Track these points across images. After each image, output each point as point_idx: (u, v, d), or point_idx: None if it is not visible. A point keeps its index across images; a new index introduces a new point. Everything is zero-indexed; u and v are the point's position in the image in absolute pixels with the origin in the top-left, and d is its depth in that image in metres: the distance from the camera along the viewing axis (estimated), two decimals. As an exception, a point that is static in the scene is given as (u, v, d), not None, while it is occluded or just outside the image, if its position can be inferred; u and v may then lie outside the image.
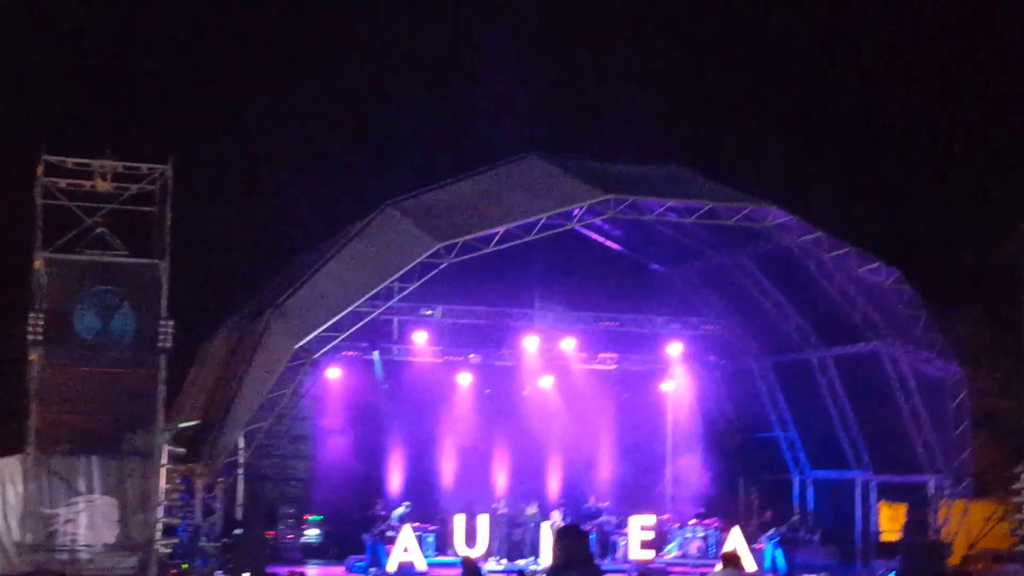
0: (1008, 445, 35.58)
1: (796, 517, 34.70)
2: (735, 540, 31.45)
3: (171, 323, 27.12)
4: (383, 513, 31.21)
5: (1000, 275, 32.38)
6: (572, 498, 34.52)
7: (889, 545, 32.63)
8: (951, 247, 33.40)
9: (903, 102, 48.44)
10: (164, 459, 27.44)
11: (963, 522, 32.66)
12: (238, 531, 28.85)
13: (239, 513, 30.77)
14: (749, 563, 30.35)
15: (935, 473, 32.14)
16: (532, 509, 33.25)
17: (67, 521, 26.41)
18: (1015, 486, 32.75)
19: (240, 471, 31.04)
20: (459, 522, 31.89)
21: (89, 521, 26.51)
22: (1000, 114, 47.70)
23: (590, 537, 31.80)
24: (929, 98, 48.34)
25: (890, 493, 34.21)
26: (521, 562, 31.39)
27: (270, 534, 32.55)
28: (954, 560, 31.88)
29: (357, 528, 31.28)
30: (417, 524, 31.36)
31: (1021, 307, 31.48)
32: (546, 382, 36.81)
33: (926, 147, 47.30)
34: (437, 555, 31.41)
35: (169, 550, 27.56)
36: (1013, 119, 47.49)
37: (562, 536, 10.07)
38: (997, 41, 48.34)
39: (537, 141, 36.50)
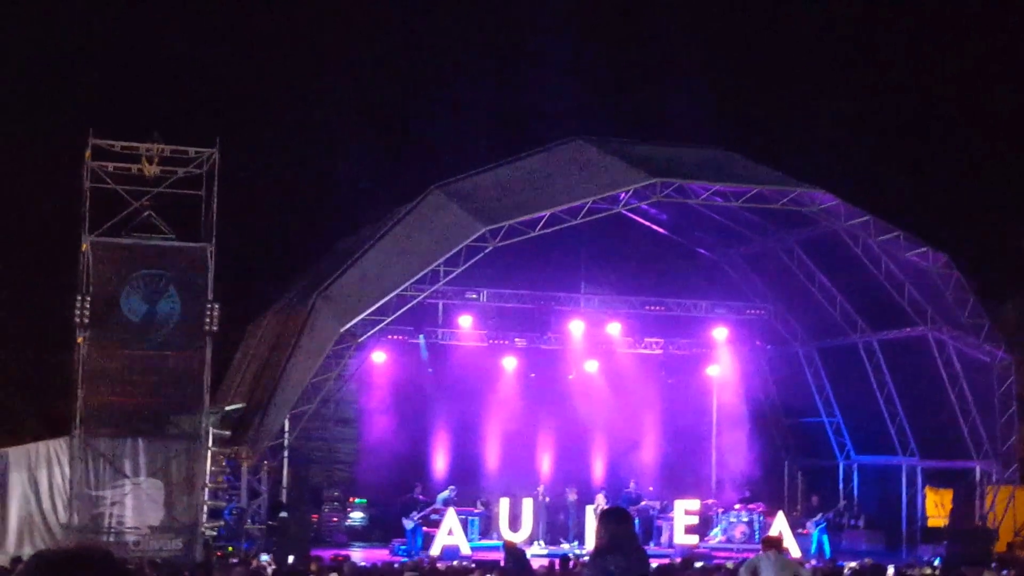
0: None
1: (843, 503, 34.54)
2: (779, 525, 31.29)
3: (217, 306, 27.29)
4: (421, 497, 31.25)
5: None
6: (616, 482, 34.47)
7: (935, 531, 32.46)
8: (1000, 232, 33.06)
9: (958, 85, 47.96)
10: (210, 442, 27.62)
11: (1010, 508, 32.44)
12: (283, 514, 28.96)
13: (284, 496, 30.90)
14: (793, 548, 30.23)
15: (982, 459, 31.90)
16: (572, 495, 33.24)
17: (113, 503, 26.65)
18: (1061, 473, 32.52)
19: (285, 454, 31.19)
20: (503, 506, 31.92)
21: (135, 503, 26.74)
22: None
23: (635, 520, 31.83)
24: (985, 81, 47.87)
25: (936, 479, 34.01)
26: (565, 546, 31.39)
27: (314, 517, 32.67)
28: (1000, 546, 31.64)
29: (398, 512, 31.35)
30: (461, 508, 31.40)
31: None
32: (591, 366, 36.72)
33: (978, 131, 46.84)
34: (481, 539, 31.43)
35: (214, 532, 27.74)
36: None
37: (606, 519, 10.05)
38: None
39: (584, 124, 36.41)
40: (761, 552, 17.31)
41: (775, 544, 17.34)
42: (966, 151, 45.93)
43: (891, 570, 22.45)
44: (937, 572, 24.98)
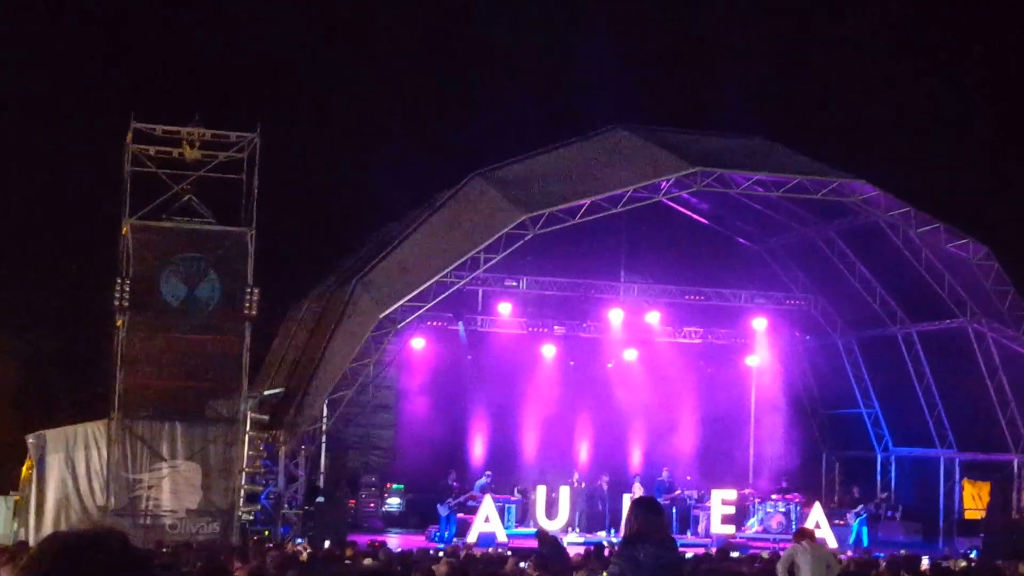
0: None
1: (884, 495, 34.42)
2: (816, 515, 31.21)
3: (256, 291, 27.41)
4: (455, 484, 31.30)
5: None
6: (652, 471, 34.45)
7: (972, 523, 32.32)
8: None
9: (1001, 79, 47.58)
10: (248, 426, 27.75)
11: (1048, 502, 32.31)
12: (320, 499, 29.10)
13: (321, 481, 31.06)
14: (830, 539, 30.16)
15: (1020, 452, 31.73)
16: (604, 483, 33.25)
17: (150, 486, 26.82)
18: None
19: (323, 439, 31.31)
20: (540, 494, 31.97)
21: (172, 487, 26.90)
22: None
23: (671, 510, 31.75)
24: (1006, 70, 47.49)
25: (974, 471, 33.87)
26: (601, 534, 31.40)
27: (351, 503, 32.83)
28: (1036, 540, 31.50)
29: (433, 498, 31.45)
30: (498, 495, 31.45)
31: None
32: (630, 355, 36.72)
33: (1008, 122, 46.48)
34: (518, 526, 31.47)
35: (251, 517, 27.88)
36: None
37: (637, 507, 10.10)
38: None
39: (625, 112, 36.35)
40: (795, 544, 17.29)
41: (807, 535, 17.32)
42: (1008, 141, 45.58)
43: (926, 561, 22.33)
44: (973, 565, 24.85)
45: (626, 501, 31.63)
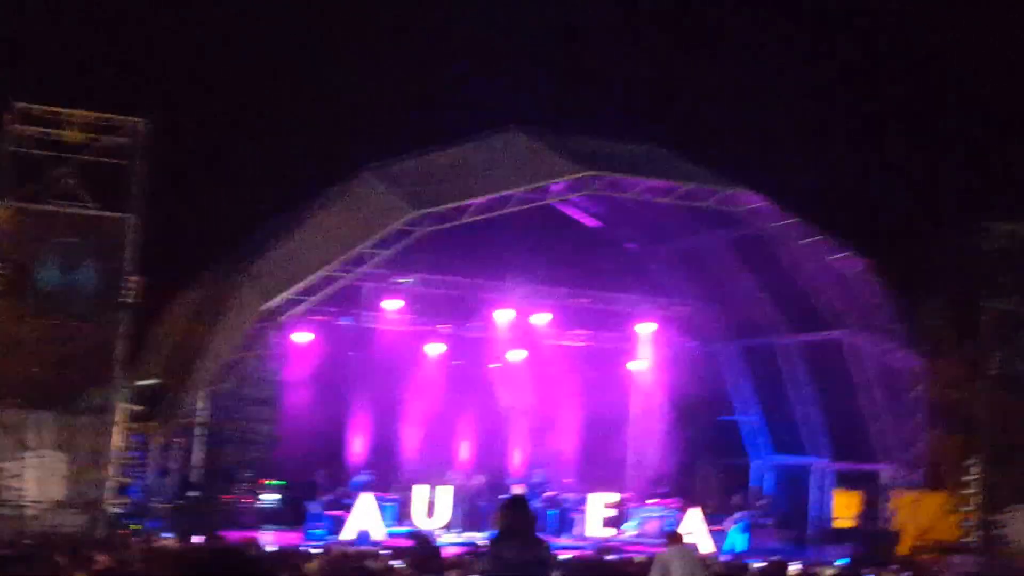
0: (961, 438, 35.85)
1: (764, 502, 34.87)
2: (693, 520, 31.51)
3: (136, 279, 26.95)
4: (322, 482, 31.02)
5: (966, 271, 32.56)
6: (533, 472, 34.52)
7: (842, 532, 32.88)
8: (920, 241, 33.50)
9: (881, 96, 48.51)
10: (120, 416, 27.25)
11: (914, 512, 32.93)
12: (193, 493, 28.71)
13: (195, 475, 30.65)
14: (707, 544, 30.46)
15: (890, 462, 32.33)
16: (477, 481, 33.27)
17: (14, 476, 26.15)
18: (965, 478, 33.02)
19: (199, 432, 30.92)
20: (419, 493, 31.84)
21: (37, 477, 26.27)
22: (975, 110, 47.84)
23: (548, 512, 31.84)
24: (906, 92, 48.46)
25: (846, 481, 34.47)
26: (479, 535, 31.36)
27: (226, 498, 32.43)
28: (903, 549, 32.09)
29: (303, 496, 31.18)
30: (377, 493, 31.27)
31: (982, 303, 31.66)
32: (515, 356, 36.78)
33: (901, 139, 47.40)
34: (396, 525, 31.31)
35: (120, 509, 27.38)
36: (988, 116, 47.64)
37: (504, 506, 10.11)
38: (979, 41, 48.40)
39: (519, 114, 36.36)
40: (667, 548, 17.39)
41: (677, 539, 17.46)
42: (894, 158, 46.46)
43: (793, 568, 22.66)
44: (841, 572, 25.24)
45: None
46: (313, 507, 30.43)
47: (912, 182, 44.37)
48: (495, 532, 9.94)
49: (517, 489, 32.29)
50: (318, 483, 30.85)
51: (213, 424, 31.79)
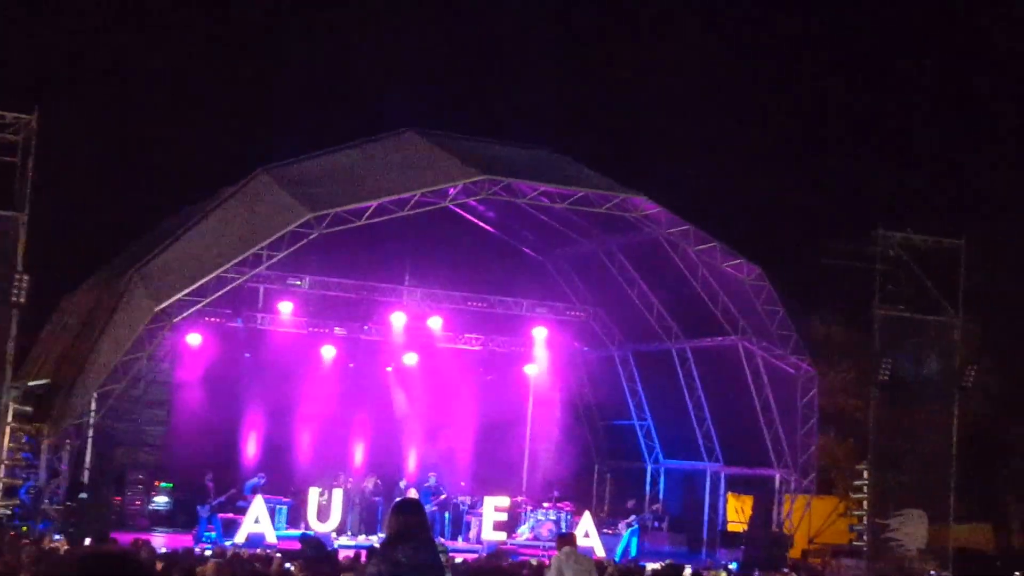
0: (853, 443, 36.51)
1: (656, 506, 35.18)
2: (586, 524, 31.71)
3: (26, 278, 26.48)
4: (211, 485, 30.73)
5: (857, 278, 33.15)
6: (426, 476, 34.50)
7: (734, 536, 33.29)
8: (813, 248, 34.06)
9: (777, 106, 49.26)
10: (9, 417, 26.77)
11: (805, 516, 33.45)
12: (83, 495, 28.29)
13: (86, 476, 30.19)
14: (599, 548, 30.67)
15: (782, 467, 32.79)
16: (370, 484, 33.19)
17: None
18: (856, 483, 33.59)
19: (90, 433, 30.44)
20: (312, 495, 31.66)
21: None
22: (868, 121, 48.79)
23: (443, 516, 31.83)
24: (800, 102, 49.26)
25: (739, 485, 34.91)
26: (373, 538, 31.30)
27: (117, 500, 32.01)
28: (795, 553, 32.61)
29: (191, 499, 30.89)
30: (270, 496, 31.05)
31: (873, 310, 32.24)
32: (411, 359, 36.74)
33: (795, 148, 48.17)
34: (289, 528, 31.12)
35: (9, 511, 26.91)
36: (880, 127, 48.61)
37: (397, 510, 10.09)
38: (873, 51, 49.36)
39: (416, 116, 36.36)
40: (559, 551, 17.45)
41: (569, 541, 17.53)
42: (787, 166, 47.19)
43: (688, 571, 22.94)
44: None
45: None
46: (202, 511, 30.13)
47: (804, 190, 45.13)
48: (388, 535, 9.91)
49: (411, 492, 32.25)
50: (206, 486, 30.52)
51: (104, 426, 31.35)
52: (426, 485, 33.59)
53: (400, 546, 9.72)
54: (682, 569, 22.47)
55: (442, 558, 16.04)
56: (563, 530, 32.40)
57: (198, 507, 30.26)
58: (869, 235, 32.31)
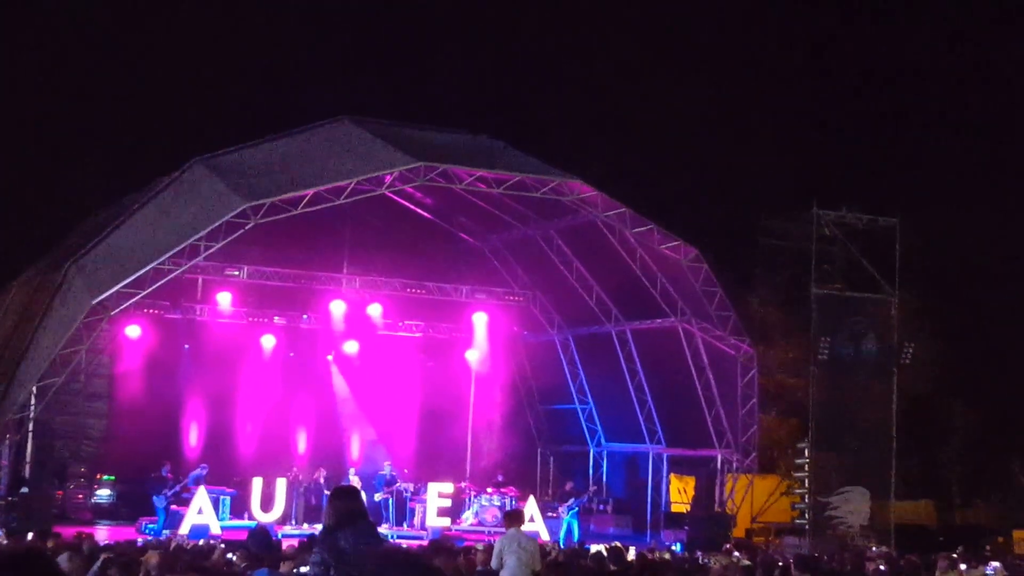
0: (795, 422, 36.82)
1: (594, 488, 35.34)
2: (530, 509, 31.77)
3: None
4: (168, 476, 30.64)
5: (793, 256, 33.44)
6: (370, 463, 34.49)
7: (678, 516, 33.52)
8: (748, 227, 34.33)
9: (711, 87, 49.49)
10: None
11: (748, 496, 33.74)
12: (24, 489, 28.08)
13: (27, 471, 29.96)
14: (543, 531, 30.76)
15: (723, 448, 33.04)
16: (319, 474, 33.14)
17: None
18: (798, 461, 33.95)
19: (30, 427, 30.20)
20: (256, 486, 31.55)
21: None
22: (804, 103, 49.13)
23: (388, 503, 31.74)
24: (735, 84, 49.52)
25: (680, 466, 35.12)
26: (318, 526, 31.17)
27: (58, 493, 31.79)
28: (738, 532, 32.89)
29: (147, 490, 30.71)
30: (213, 487, 30.91)
31: (810, 288, 32.52)
32: (351, 347, 36.69)
33: (730, 130, 48.45)
34: (233, 518, 30.99)
35: (-51, 507, 26.71)
36: (816, 108, 48.97)
37: (335, 497, 10.10)
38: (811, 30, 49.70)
39: (351, 105, 36.26)
40: (506, 528, 17.41)
41: (516, 519, 17.47)
42: (720, 148, 47.48)
43: (632, 552, 23.05)
44: (677, 556, 25.70)
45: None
46: (158, 501, 30.00)
47: (740, 172, 45.43)
48: (327, 523, 9.94)
49: (352, 479, 32.21)
50: (164, 477, 30.38)
51: (45, 419, 31.11)
52: (381, 473, 33.56)
53: (340, 533, 9.74)
54: (624, 551, 22.55)
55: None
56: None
57: (154, 497, 30.09)
58: (805, 215, 32.59)
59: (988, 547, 29.23)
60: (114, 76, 45.44)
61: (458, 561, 18.53)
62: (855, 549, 27.29)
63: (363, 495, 10.37)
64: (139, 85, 46.02)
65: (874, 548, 28.22)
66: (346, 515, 9.85)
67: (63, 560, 12.01)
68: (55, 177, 41.93)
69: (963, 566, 18.41)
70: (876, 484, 32.63)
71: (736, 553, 23.83)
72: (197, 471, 31.23)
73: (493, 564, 16.76)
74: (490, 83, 47.60)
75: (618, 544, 23.97)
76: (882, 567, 18.18)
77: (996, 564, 19.88)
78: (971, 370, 40.76)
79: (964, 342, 40.63)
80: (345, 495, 10.13)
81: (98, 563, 13.12)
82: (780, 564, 16.69)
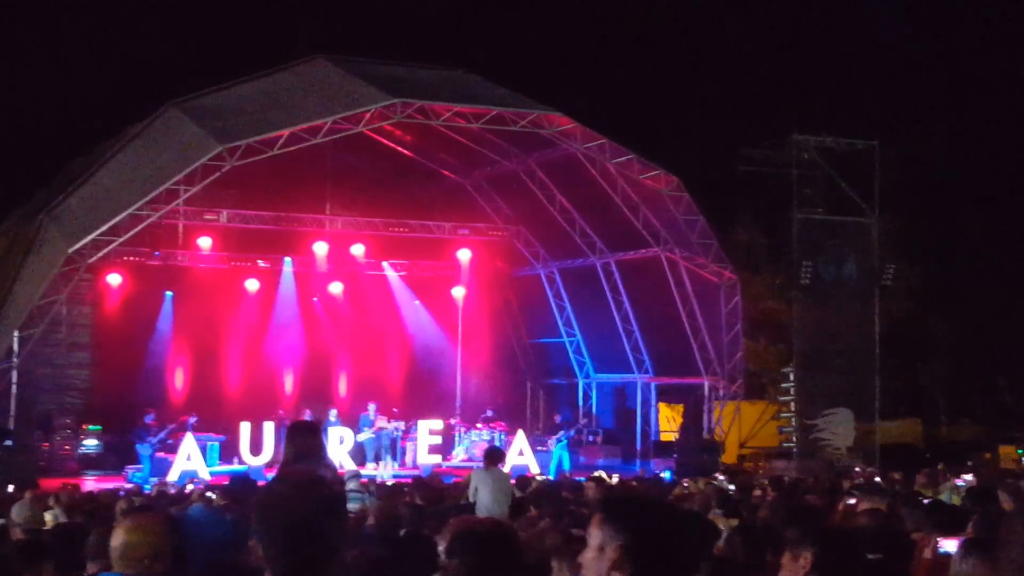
0: (782, 348, 36.85)
1: (584, 420, 35.39)
2: (520, 443, 31.79)
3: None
4: (153, 423, 30.55)
5: (774, 182, 33.31)
6: (358, 404, 34.41)
7: (667, 445, 33.58)
8: (730, 155, 34.12)
9: (686, 12, 49.12)
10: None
11: (736, 422, 33.80)
12: (8, 442, 28.01)
13: (11, 423, 29.88)
14: (532, 464, 30.78)
15: (710, 375, 33.04)
16: (304, 415, 33.04)
17: None
18: (783, 385, 34.02)
19: (13, 378, 30.09)
20: (244, 430, 31.48)
21: None
22: (779, 28, 48.78)
23: (381, 442, 31.64)
24: (710, 9, 49.14)
25: (668, 395, 35.15)
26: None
27: (45, 445, 31.73)
28: (728, 458, 32.99)
29: (132, 439, 30.64)
30: (201, 433, 30.86)
31: (791, 213, 32.44)
32: (336, 288, 36.56)
33: (709, 56, 48.13)
34: (222, 463, 30.96)
35: (-69, 461, 26.61)
36: (793, 33, 48.61)
37: (292, 433, 9.97)
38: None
39: (325, 43, 35.87)
40: (484, 465, 17.35)
41: (493, 458, 17.35)
42: (698, 77, 47.18)
43: (615, 479, 23.22)
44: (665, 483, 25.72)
45: (331, 434, 31.56)
46: (143, 449, 29.93)
47: (722, 98, 45.16)
48: (285, 458, 9.81)
49: (331, 419, 32.14)
50: (148, 425, 30.29)
51: (27, 371, 31.01)
52: (364, 414, 33.45)
53: (297, 465, 9.62)
54: (606, 479, 22.58)
55: (353, 483, 16.02)
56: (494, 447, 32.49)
57: (137, 445, 30.01)
58: (785, 141, 32.42)
59: (970, 463, 29.31)
60: (84, 22, 45.01)
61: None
62: (841, 470, 27.40)
63: (323, 433, 10.21)
64: (110, 31, 45.58)
65: (858, 468, 28.32)
66: (303, 451, 9.72)
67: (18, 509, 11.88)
68: (25, 129, 41.55)
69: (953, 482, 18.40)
70: (861, 405, 32.73)
71: (720, 476, 23.90)
72: (185, 418, 31.11)
73: (468, 493, 16.76)
74: (466, 16, 47.16)
75: (601, 474, 24.02)
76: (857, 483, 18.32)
77: (968, 477, 19.93)
78: (953, 289, 40.76)
79: (945, 262, 40.60)
80: (302, 431, 9.99)
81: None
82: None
